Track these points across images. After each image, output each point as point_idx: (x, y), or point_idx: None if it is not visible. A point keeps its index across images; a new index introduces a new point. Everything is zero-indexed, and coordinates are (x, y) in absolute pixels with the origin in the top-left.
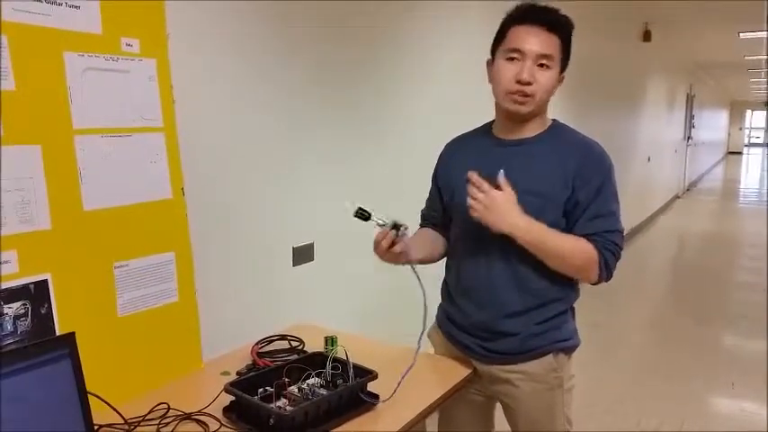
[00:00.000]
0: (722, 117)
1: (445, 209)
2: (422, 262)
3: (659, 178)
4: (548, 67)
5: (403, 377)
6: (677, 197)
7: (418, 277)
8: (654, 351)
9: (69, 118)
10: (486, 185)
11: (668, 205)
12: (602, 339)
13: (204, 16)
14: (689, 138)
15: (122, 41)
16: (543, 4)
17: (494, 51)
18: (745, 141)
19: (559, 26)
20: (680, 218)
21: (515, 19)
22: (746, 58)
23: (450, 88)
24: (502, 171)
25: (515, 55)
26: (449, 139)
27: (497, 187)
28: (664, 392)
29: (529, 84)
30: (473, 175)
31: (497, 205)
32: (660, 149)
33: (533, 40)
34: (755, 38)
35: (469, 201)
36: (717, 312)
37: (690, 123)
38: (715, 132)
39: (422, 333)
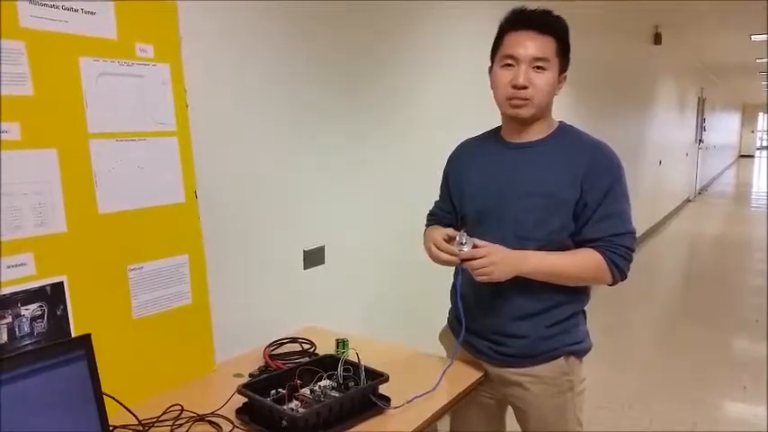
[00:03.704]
0: (734, 120)
1: (456, 209)
2: None
3: (670, 182)
4: (544, 69)
5: (417, 396)
6: (689, 201)
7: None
8: (665, 354)
9: (85, 122)
10: (480, 251)
11: (679, 209)
12: (614, 342)
13: (217, 21)
14: (700, 141)
15: (137, 47)
16: (536, 7)
17: (492, 58)
18: (758, 144)
19: (552, 28)
20: (691, 221)
21: (509, 25)
22: (758, 60)
23: (464, 89)
24: (466, 239)
25: (510, 61)
26: (461, 140)
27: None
28: (675, 395)
29: (525, 88)
30: (462, 254)
31: (499, 259)
32: (671, 153)
33: (527, 45)
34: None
35: (476, 277)
36: (728, 316)
37: (701, 126)
38: (727, 135)
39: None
